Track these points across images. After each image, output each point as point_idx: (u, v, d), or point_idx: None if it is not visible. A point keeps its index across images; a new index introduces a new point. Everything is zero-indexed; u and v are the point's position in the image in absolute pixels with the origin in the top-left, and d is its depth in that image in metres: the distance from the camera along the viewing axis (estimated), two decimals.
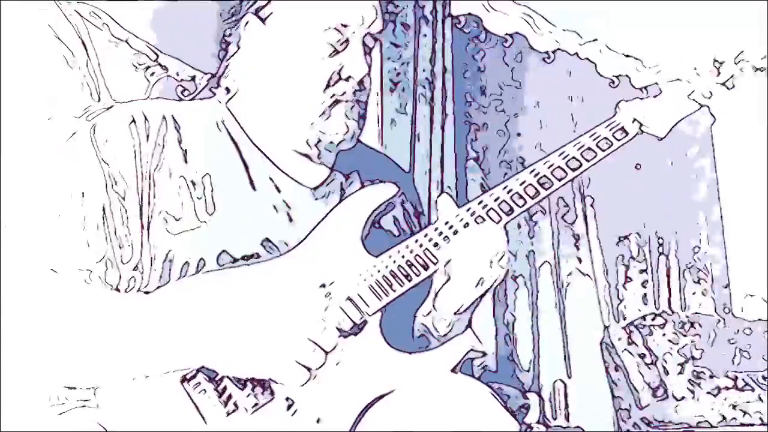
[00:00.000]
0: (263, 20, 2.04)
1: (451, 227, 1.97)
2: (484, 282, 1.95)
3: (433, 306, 1.97)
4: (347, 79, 2.00)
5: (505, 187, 1.99)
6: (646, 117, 2.02)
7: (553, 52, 2.65)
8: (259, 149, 2.03)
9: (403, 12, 2.67)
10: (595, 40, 2.61)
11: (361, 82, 2.01)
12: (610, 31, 2.59)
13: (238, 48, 2.06)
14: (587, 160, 2.00)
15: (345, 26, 2.00)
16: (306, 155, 2.03)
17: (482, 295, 1.97)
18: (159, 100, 2.21)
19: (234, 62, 2.06)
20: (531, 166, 2.01)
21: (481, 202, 1.99)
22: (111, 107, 2.09)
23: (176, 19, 2.41)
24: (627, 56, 2.58)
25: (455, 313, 1.96)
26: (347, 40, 2.00)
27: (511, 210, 1.98)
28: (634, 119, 2.02)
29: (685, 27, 2.52)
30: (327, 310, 1.89)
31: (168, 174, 1.97)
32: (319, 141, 2.01)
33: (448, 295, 1.95)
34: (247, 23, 2.05)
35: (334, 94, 2.00)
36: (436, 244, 1.96)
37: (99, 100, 2.37)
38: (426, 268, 1.96)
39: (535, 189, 1.99)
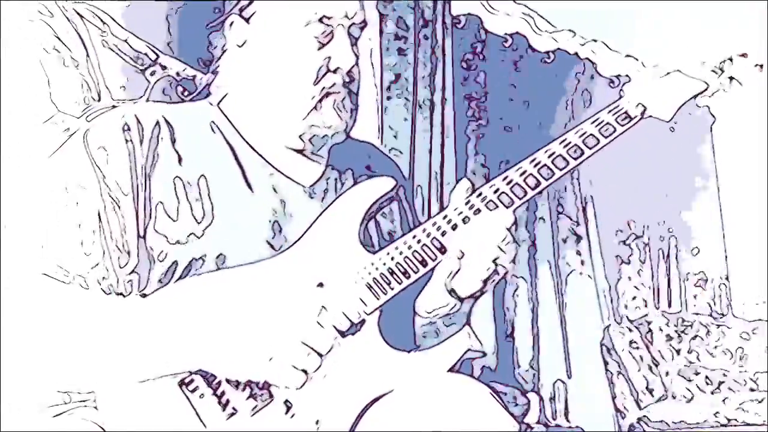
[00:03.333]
0: (247, 20, 2.04)
1: (441, 226, 1.97)
2: (494, 267, 1.94)
3: (450, 292, 1.96)
4: (335, 71, 2.00)
5: (504, 178, 1.98)
6: (651, 100, 1.98)
7: (553, 52, 2.65)
8: (253, 149, 2.03)
9: (403, 12, 2.67)
10: (595, 40, 2.61)
11: (349, 73, 2.01)
12: (610, 31, 2.59)
13: (225, 50, 2.06)
14: (589, 148, 1.97)
15: (329, 18, 2.00)
16: (300, 152, 2.04)
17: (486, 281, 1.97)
18: (151, 104, 2.22)
19: (223, 63, 2.07)
20: (531, 156, 1.98)
21: (469, 201, 1.98)
22: (110, 107, 2.10)
23: (176, 19, 2.41)
24: (627, 56, 2.57)
25: (464, 299, 1.96)
26: (332, 33, 2.00)
27: (512, 202, 1.96)
28: (639, 103, 1.98)
29: (685, 27, 2.51)
30: (324, 311, 1.89)
31: (163, 177, 1.96)
32: (313, 135, 2.01)
33: (461, 282, 1.95)
34: (231, 24, 2.05)
35: (324, 87, 2.00)
36: (439, 236, 1.96)
37: (99, 100, 2.37)
38: (425, 264, 1.95)
39: (536, 179, 1.97)
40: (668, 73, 2.02)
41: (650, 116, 1.99)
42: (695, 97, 2.02)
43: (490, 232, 1.94)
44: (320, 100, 2.00)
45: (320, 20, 2.00)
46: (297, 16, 2.00)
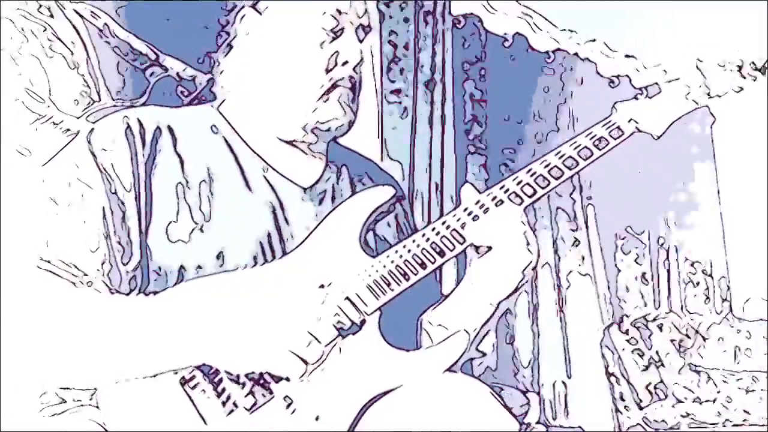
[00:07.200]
0: (260, 13, 2.06)
1: (449, 224, 1.98)
2: (522, 270, 1.96)
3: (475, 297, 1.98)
4: (344, 64, 2.02)
5: (501, 187, 2.00)
6: (642, 116, 2.02)
7: (553, 52, 2.65)
8: (253, 151, 2.05)
9: (404, 12, 2.67)
10: (595, 40, 2.62)
11: (355, 69, 2.03)
12: (610, 31, 2.60)
13: (231, 47, 2.07)
14: (583, 159, 2.01)
15: (340, 13, 2.02)
16: (299, 148, 2.05)
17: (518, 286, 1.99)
18: (154, 107, 2.22)
19: (229, 61, 2.08)
20: (527, 166, 2.01)
21: (467, 207, 1.99)
22: (111, 108, 2.10)
23: (176, 19, 2.42)
24: (627, 56, 2.58)
25: (497, 304, 1.98)
26: (342, 28, 2.03)
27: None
28: (630, 119, 2.02)
29: (685, 27, 2.52)
30: (325, 308, 1.90)
31: (164, 179, 1.97)
32: (317, 126, 2.02)
33: (498, 282, 1.97)
34: (243, 16, 2.06)
35: (332, 78, 2.02)
36: (438, 240, 1.97)
37: (99, 100, 2.37)
38: (424, 266, 1.96)
39: (532, 188, 1.99)
40: (660, 91, 2.05)
41: (642, 131, 2.03)
42: (686, 114, 2.05)
43: (508, 225, 1.96)
44: (328, 91, 2.02)
45: (333, 14, 2.02)
46: (310, 8, 2.02)
